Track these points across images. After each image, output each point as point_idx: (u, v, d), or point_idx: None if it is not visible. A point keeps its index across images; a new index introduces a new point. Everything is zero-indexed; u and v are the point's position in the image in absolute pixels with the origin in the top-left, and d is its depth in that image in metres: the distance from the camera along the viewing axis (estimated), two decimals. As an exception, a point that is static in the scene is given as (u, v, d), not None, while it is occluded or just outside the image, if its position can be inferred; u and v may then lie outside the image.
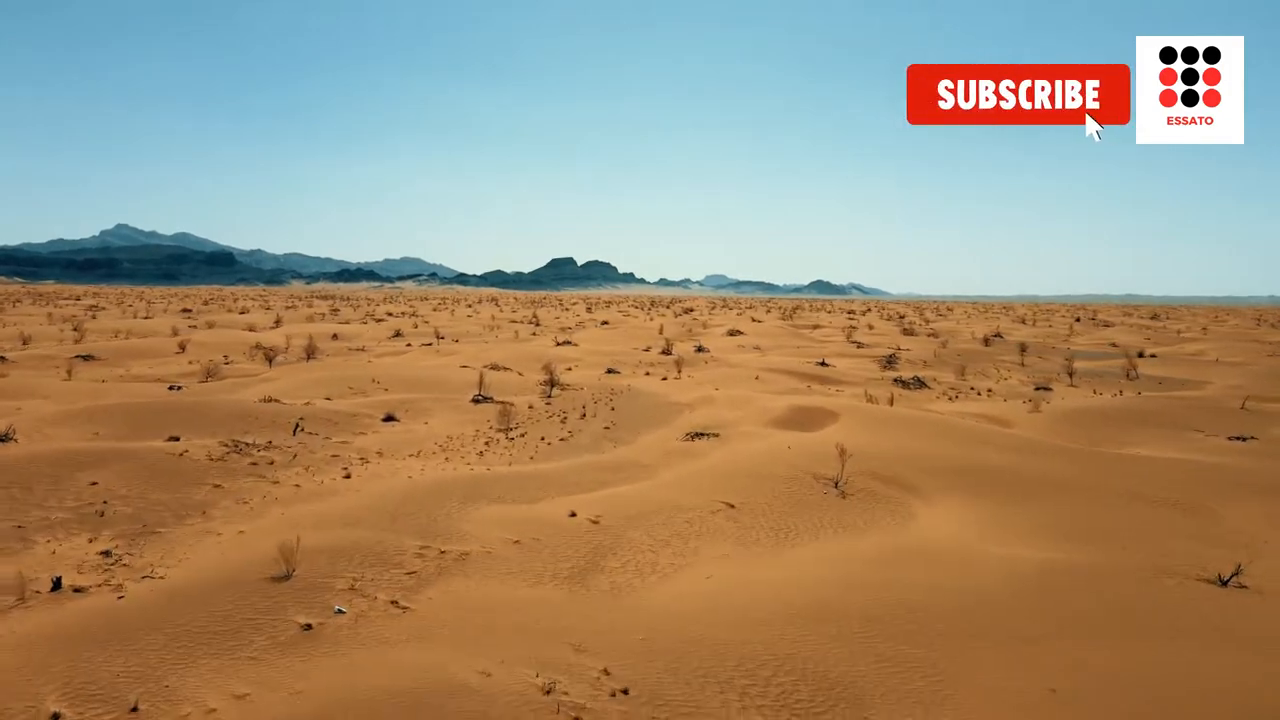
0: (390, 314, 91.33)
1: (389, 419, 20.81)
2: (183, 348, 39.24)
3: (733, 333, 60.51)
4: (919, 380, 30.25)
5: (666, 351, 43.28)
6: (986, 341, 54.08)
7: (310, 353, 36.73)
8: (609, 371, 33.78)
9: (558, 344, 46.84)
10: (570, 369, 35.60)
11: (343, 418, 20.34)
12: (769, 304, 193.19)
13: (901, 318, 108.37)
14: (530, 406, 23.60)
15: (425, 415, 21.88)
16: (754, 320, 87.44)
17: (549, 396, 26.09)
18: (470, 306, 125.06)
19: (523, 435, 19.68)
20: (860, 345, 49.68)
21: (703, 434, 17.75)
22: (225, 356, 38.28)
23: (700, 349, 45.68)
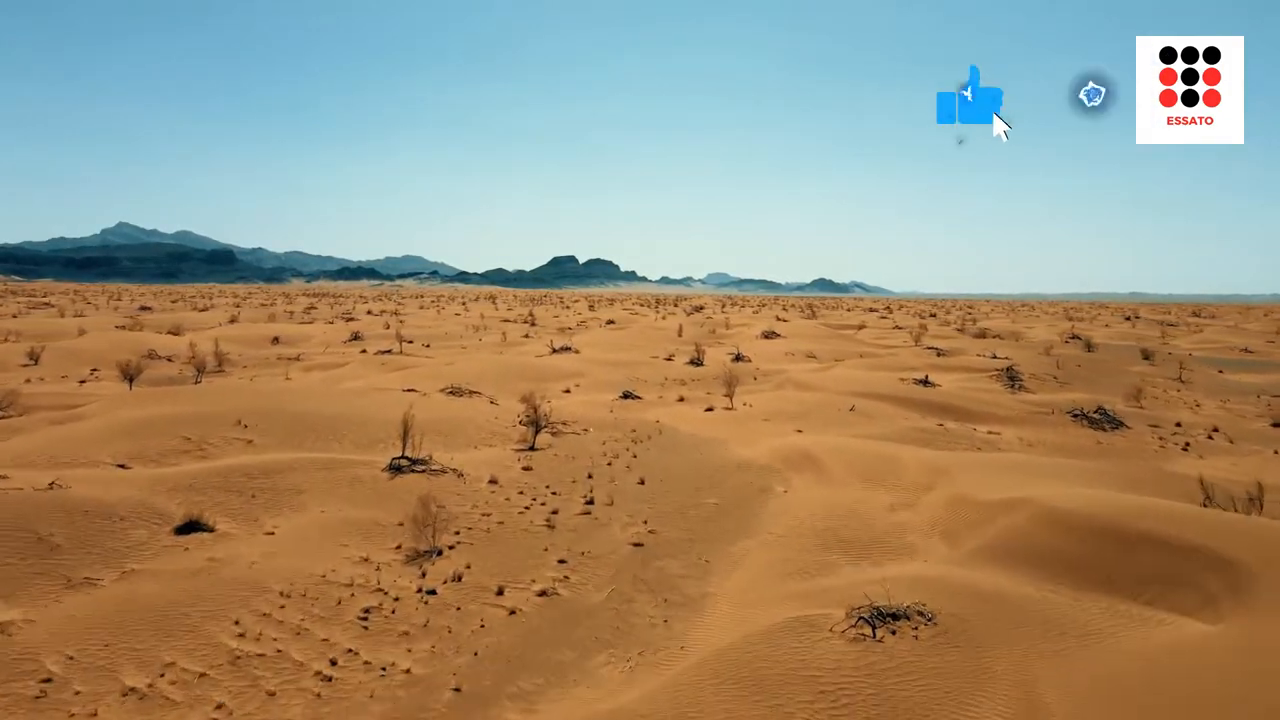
0: (370, 312, 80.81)
1: (188, 527, 10.09)
2: (35, 358, 28.60)
3: (768, 335, 49.74)
4: (1108, 416, 19.49)
5: (696, 361, 32.64)
6: (1089, 347, 43.31)
7: (203, 366, 26.08)
8: (625, 396, 23.10)
9: (554, 350, 36.19)
10: (569, 390, 24.95)
11: (84, 526, 9.67)
12: (781, 302, 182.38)
13: (932, 316, 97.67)
14: (492, 482, 12.91)
15: (279, 509, 11.20)
16: (779, 319, 76.69)
17: (531, 451, 15.47)
18: (464, 304, 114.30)
19: (458, 579, 8.97)
20: (941, 353, 38.90)
21: (896, 616, 7.04)
22: (92, 370, 27.69)
23: (739, 357, 34.99)
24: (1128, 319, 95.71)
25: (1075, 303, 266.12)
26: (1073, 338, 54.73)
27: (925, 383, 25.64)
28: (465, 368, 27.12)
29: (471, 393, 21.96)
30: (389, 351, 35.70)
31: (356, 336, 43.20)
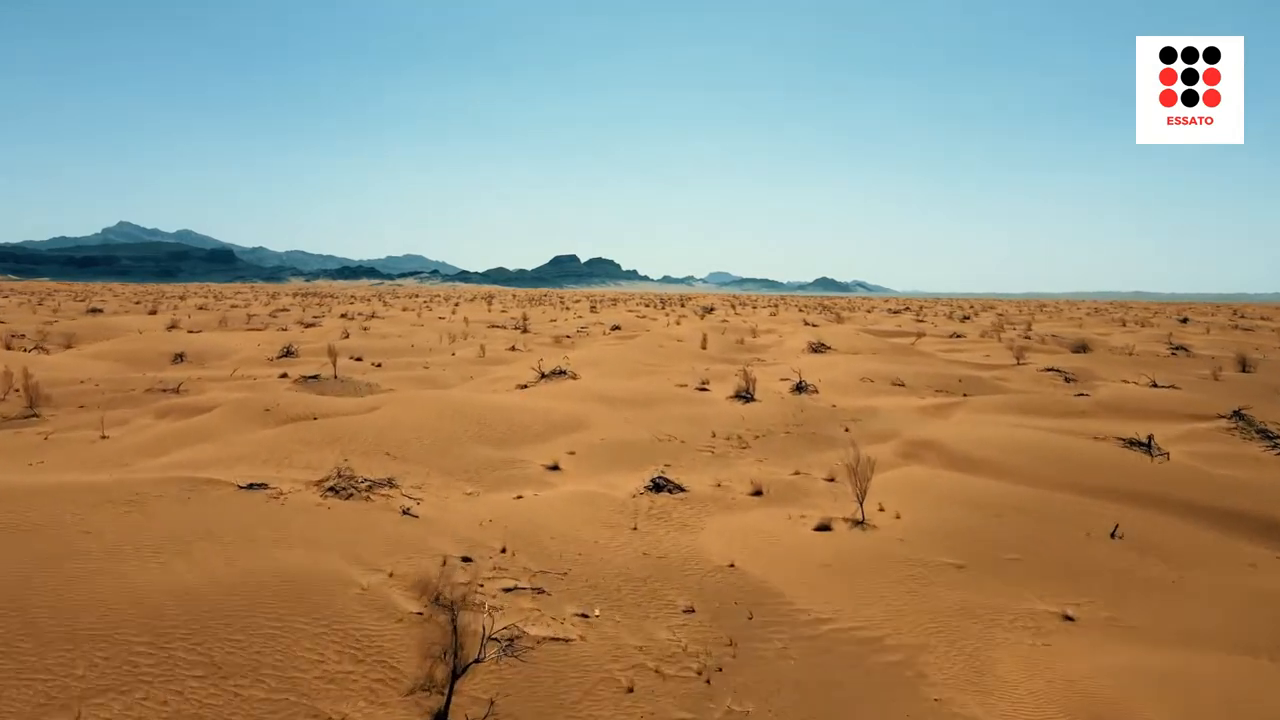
0: (345, 315, 70.93)
1: None
2: None
3: (816, 348, 39.59)
4: None
5: (746, 394, 22.51)
6: (1243, 366, 33.18)
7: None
8: (656, 487, 12.91)
9: (542, 376, 26.04)
10: (557, 466, 14.80)
11: None
12: (792, 302, 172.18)
13: (966, 319, 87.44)
14: None
15: None
16: (808, 324, 66.52)
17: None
18: (455, 305, 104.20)
19: None
20: (1068, 379, 28.73)
21: None
22: None
23: (801, 386, 24.82)
24: (1183, 321, 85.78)
25: (1094, 302, 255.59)
26: (1178, 349, 44.83)
27: (1147, 448, 15.56)
28: (394, 418, 16.93)
29: (373, 487, 11.78)
30: (315, 377, 25.62)
31: (288, 352, 33.12)
